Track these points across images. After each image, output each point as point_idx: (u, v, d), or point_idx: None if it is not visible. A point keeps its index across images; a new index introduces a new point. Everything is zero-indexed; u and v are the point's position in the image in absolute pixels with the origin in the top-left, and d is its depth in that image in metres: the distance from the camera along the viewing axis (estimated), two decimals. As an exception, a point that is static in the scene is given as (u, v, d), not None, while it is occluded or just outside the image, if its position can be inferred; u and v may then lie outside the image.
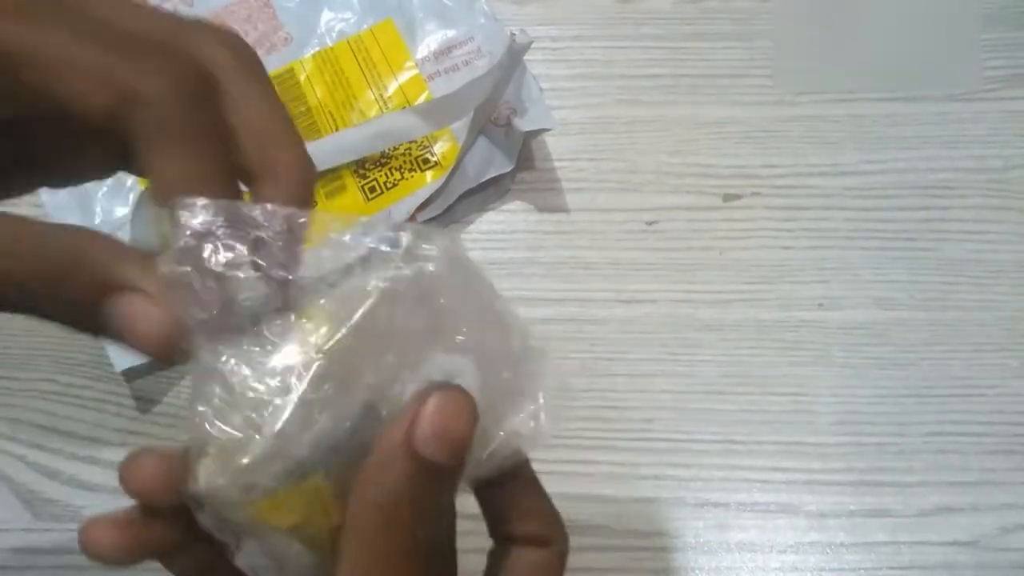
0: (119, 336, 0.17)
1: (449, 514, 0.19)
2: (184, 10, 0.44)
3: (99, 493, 0.38)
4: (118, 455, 0.39)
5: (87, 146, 0.20)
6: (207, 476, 0.16)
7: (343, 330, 0.17)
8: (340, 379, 0.17)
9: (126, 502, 0.39)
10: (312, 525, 0.17)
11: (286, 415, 0.16)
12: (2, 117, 0.18)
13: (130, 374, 0.37)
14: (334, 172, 0.41)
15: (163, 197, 0.17)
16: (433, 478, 0.17)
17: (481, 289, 0.18)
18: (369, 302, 0.17)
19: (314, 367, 0.16)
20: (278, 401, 0.16)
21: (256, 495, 0.16)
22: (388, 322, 0.17)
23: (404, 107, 0.42)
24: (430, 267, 0.17)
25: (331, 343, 0.17)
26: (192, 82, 0.18)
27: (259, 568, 0.18)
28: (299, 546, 0.17)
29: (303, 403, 0.16)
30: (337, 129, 0.42)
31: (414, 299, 0.17)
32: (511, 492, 0.21)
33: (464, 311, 0.18)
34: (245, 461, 0.16)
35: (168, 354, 0.17)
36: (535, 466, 0.39)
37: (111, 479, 0.38)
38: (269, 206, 0.17)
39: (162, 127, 0.17)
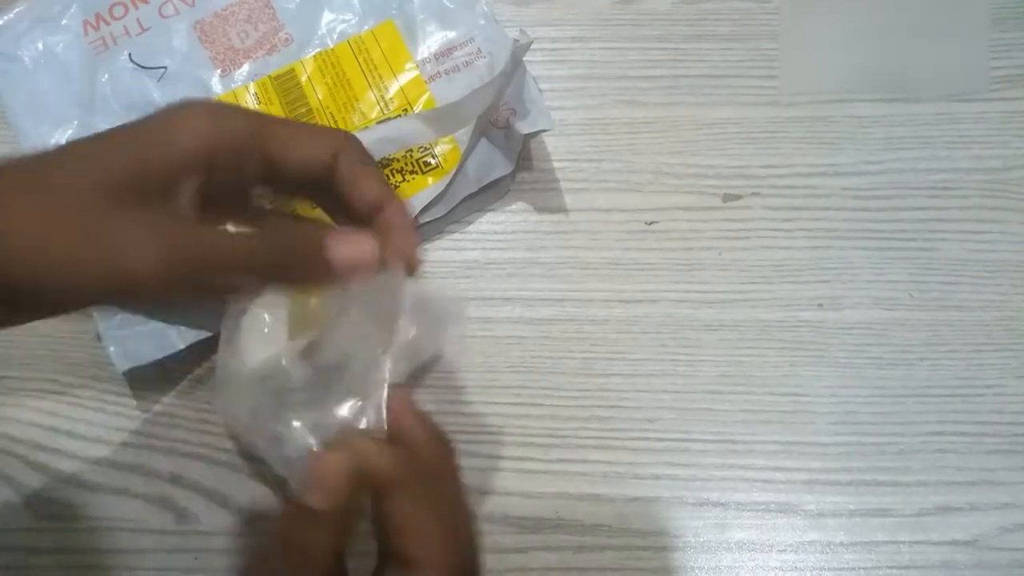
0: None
1: None
2: (185, 10, 0.44)
3: (100, 493, 0.38)
4: (118, 455, 0.39)
5: None
6: None
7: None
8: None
9: (128, 503, 0.39)
10: None
11: None
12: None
13: (130, 374, 0.37)
14: (334, 173, 0.41)
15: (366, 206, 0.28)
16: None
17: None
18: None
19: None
20: None
21: None
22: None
23: (407, 110, 0.42)
24: None
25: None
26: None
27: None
28: None
29: None
30: (338, 130, 0.42)
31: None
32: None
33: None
34: None
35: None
36: (536, 465, 0.39)
37: (112, 479, 0.38)
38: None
39: (357, 162, 0.29)
